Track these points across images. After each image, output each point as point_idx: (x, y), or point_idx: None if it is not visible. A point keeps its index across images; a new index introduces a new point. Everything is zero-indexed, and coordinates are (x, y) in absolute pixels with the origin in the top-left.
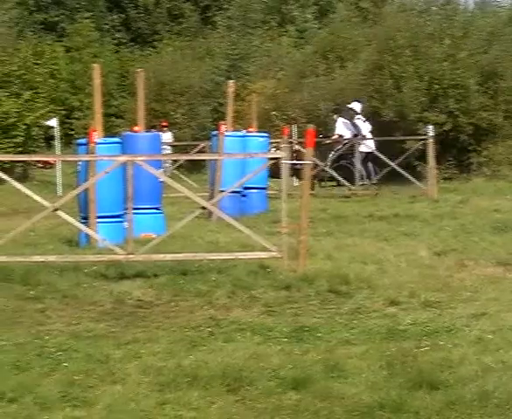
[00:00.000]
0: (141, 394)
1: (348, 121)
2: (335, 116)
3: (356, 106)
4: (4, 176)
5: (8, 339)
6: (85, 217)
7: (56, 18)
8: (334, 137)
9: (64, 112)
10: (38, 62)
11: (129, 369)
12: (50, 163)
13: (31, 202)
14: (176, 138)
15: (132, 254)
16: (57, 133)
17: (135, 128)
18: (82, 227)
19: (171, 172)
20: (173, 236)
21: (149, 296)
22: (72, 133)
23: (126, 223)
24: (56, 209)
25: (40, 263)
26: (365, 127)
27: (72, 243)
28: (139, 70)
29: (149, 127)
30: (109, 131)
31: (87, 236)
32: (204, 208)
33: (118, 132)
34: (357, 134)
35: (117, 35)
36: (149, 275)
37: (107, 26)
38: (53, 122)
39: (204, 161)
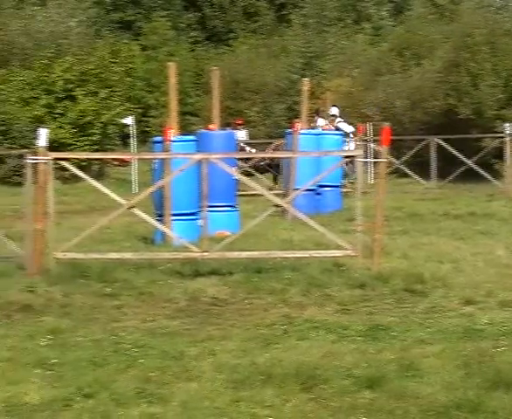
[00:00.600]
0: (215, 391)
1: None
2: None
3: (335, 110)
4: (82, 174)
5: (85, 335)
6: (160, 215)
7: (132, 17)
8: None
9: (140, 110)
10: (115, 61)
11: (204, 366)
12: (125, 161)
13: (108, 200)
14: (251, 136)
15: (207, 252)
16: (133, 131)
17: (210, 126)
18: (157, 225)
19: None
20: (247, 234)
21: (224, 294)
22: (148, 131)
23: (201, 221)
24: (132, 207)
25: (116, 260)
26: (349, 128)
27: (147, 240)
28: (214, 68)
29: (224, 125)
30: (184, 129)
31: (163, 233)
32: (278, 206)
33: (193, 130)
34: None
35: (193, 33)
36: (224, 273)
37: (182, 25)
38: (129, 120)
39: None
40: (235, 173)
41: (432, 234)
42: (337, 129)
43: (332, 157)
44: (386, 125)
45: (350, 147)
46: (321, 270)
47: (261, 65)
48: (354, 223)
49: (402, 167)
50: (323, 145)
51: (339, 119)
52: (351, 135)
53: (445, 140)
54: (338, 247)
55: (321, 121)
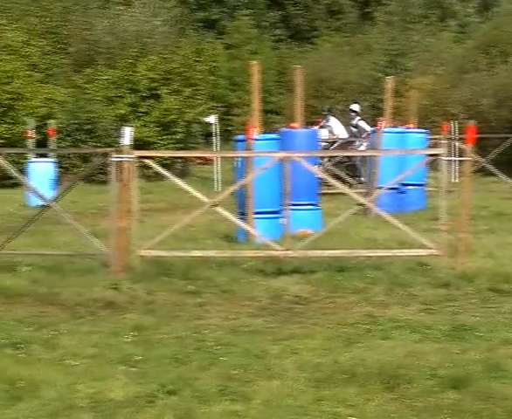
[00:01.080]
0: (298, 389)
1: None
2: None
3: (356, 107)
4: (165, 172)
5: (168, 332)
6: (242, 213)
7: (216, 16)
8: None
9: (223, 108)
10: (199, 59)
11: (286, 365)
12: (208, 160)
13: (191, 199)
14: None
15: (289, 250)
16: (215, 129)
17: (293, 125)
18: (240, 223)
19: (328, 168)
20: (330, 233)
21: (306, 292)
22: (231, 129)
23: (283, 220)
24: (214, 205)
25: (199, 258)
26: (368, 128)
27: (229, 238)
28: (297, 66)
29: (307, 124)
30: (267, 127)
31: (245, 231)
32: (361, 204)
33: (276, 128)
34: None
35: (276, 32)
36: (306, 271)
37: (266, 23)
38: (212, 119)
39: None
40: (318, 171)
41: None
42: (355, 127)
43: (416, 155)
44: (471, 123)
45: (362, 147)
46: (404, 269)
47: (344, 63)
48: (438, 222)
49: (487, 165)
50: (407, 143)
51: (358, 117)
52: (364, 135)
53: None
54: (422, 246)
55: (333, 121)
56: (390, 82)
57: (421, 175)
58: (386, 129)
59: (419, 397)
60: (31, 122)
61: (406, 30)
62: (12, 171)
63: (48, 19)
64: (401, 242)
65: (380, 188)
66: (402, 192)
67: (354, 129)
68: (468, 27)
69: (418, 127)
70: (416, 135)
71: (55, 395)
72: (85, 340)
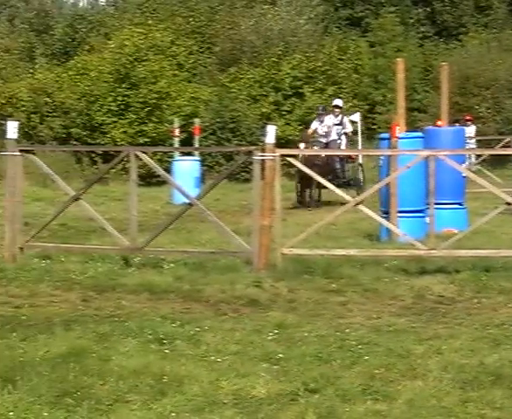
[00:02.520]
0: (442, 390)
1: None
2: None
3: (340, 102)
4: (309, 171)
5: (310, 330)
6: (386, 212)
7: (361, 14)
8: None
9: (366, 106)
10: (343, 57)
11: (430, 365)
12: (352, 158)
13: (333, 197)
14: (480, 132)
15: (434, 249)
16: (360, 127)
17: (438, 123)
18: (383, 221)
19: (475, 167)
20: (476, 232)
21: (451, 292)
22: (375, 127)
23: (428, 218)
24: (358, 204)
25: (341, 256)
26: (349, 126)
27: (372, 237)
28: (443, 63)
29: (453, 122)
30: (411, 125)
31: (388, 230)
32: (509, 204)
33: (420, 126)
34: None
35: (422, 29)
36: (451, 271)
37: (411, 20)
38: (356, 117)
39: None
40: (464, 170)
41: None
42: (340, 124)
43: None
44: None
45: (342, 145)
46: None
47: (492, 60)
48: None
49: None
50: None
51: (341, 114)
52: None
53: None
54: None
55: (328, 119)
56: None
57: None
58: None
59: None
60: (177, 121)
61: None
62: (158, 169)
63: (194, 19)
64: None
65: None
66: None
67: (338, 126)
68: None
69: None
70: None
71: (199, 391)
72: (228, 336)
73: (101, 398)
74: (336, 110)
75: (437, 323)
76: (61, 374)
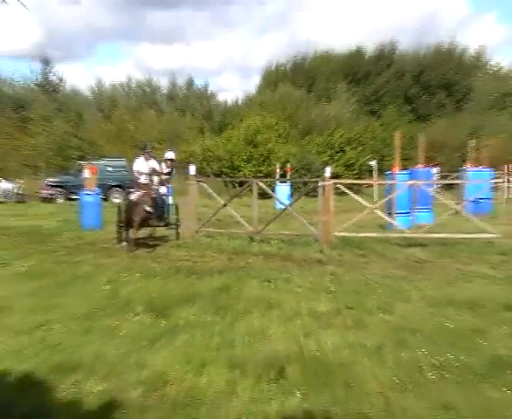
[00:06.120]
0: (420, 309)
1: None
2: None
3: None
4: (351, 194)
5: (349, 276)
6: (389, 213)
7: (376, 108)
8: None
9: (379, 157)
10: (366, 131)
11: (414, 295)
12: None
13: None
14: (441, 171)
15: (415, 233)
16: (375, 169)
17: (419, 166)
18: (388, 218)
19: (437, 189)
20: (437, 224)
21: (425, 256)
22: (384, 168)
23: (411, 217)
24: (375, 208)
25: (366, 237)
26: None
27: (383, 227)
28: (421, 134)
29: (425, 165)
30: (403, 167)
31: (391, 223)
32: (454, 209)
33: (408, 168)
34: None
35: (409, 115)
36: (425, 245)
37: (404, 111)
38: (373, 162)
39: (454, 184)
40: (431, 191)
41: None
42: (168, 174)
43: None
44: None
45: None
46: None
47: (447, 133)
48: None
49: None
50: None
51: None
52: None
53: None
54: None
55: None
56: None
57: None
58: None
59: None
60: (278, 164)
61: None
62: (268, 190)
63: (287, 109)
64: None
65: None
66: None
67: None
68: None
69: None
70: None
71: (289, 307)
72: (305, 279)
73: (238, 311)
74: (168, 162)
75: (417, 273)
76: (217, 298)
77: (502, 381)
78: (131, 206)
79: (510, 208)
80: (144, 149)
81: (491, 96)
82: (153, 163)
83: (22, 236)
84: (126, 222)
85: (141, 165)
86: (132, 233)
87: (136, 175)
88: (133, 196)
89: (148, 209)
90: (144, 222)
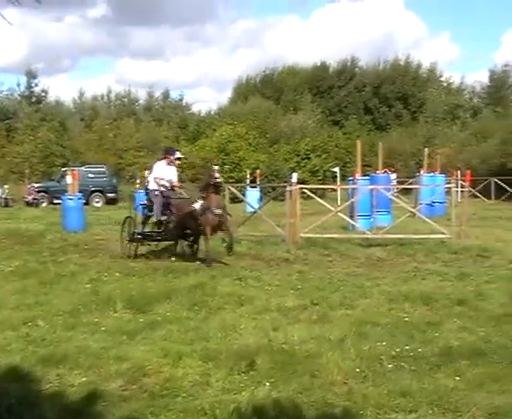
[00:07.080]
0: (379, 304)
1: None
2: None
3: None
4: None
5: (314, 274)
6: (351, 216)
7: (339, 118)
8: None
9: (342, 164)
10: (330, 139)
11: (373, 292)
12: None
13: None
14: (398, 176)
15: (375, 234)
16: (338, 174)
17: (378, 172)
18: (350, 220)
19: (395, 194)
20: (395, 226)
21: (384, 255)
22: (346, 174)
23: (372, 219)
24: (337, 211)
25: (330, 238)
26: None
27: (345, 228)
28: (379, 143)
29: (384, 171)
30: (364, 173)
31: (353, 225)
32: (411, 211)
33: (368, 173)
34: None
35: (368, 125)
36: (384, 245)
37: (364, 121)
38: (336, 169)
39: (411, 188)
40: (390, 195)
41: (493, 227)
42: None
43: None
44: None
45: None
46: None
47: (402, 141)
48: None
49: (475, 192)
50: None
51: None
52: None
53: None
54: (442, 233)
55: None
56: None
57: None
58: None
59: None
60: (248, 171)
61: None
62: (239, 194)
63: (257, 120)
64: None
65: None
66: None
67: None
68: None
69: None
70: None
71: (259, 304)
72: (273, 277)
73: (211, 307)
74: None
75: (377, 271)
76: (192, 295)
77: (453, 369)
78: (194, 216)
79: (460, 211)
80: (168, 153)
81: (443, 108)
82: (173, 171)
83: (8, 238)
84: (189, 234)
85: (163, 170)
86: (204, 244)
87: (157, 181)
88: (197, 205)
89: (218, 212)
90: (217, 228)
